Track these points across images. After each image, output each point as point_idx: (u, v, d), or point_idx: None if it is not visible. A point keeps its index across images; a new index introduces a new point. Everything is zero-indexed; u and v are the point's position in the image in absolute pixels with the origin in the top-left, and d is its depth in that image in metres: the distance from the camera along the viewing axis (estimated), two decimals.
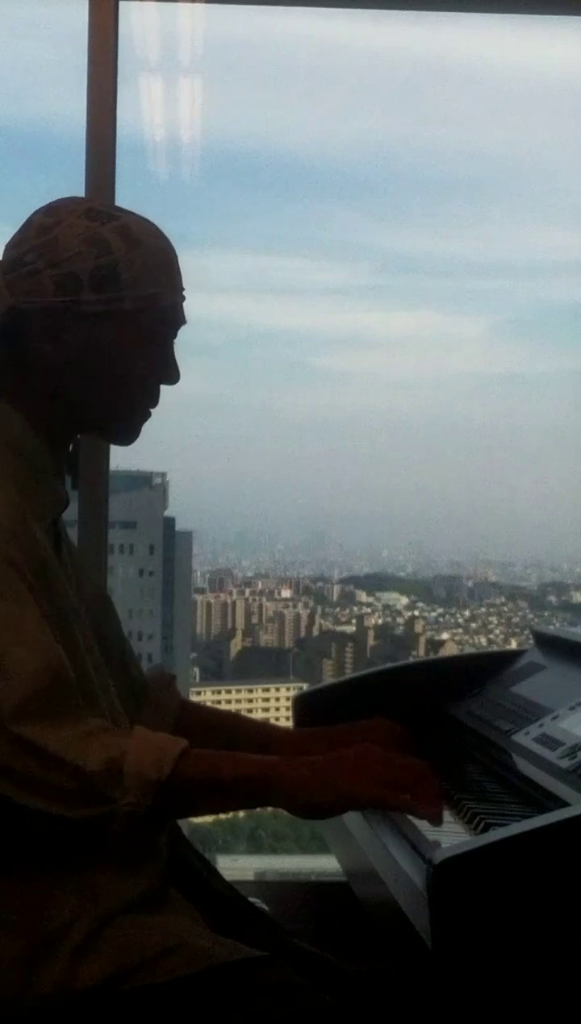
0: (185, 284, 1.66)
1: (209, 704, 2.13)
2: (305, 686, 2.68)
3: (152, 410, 1.68)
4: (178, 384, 1.69)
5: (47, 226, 1.58)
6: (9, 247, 1.61)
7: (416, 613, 6.03)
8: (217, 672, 6.00)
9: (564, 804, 1.61)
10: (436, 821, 1.59)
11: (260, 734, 1.91)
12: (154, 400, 1.67)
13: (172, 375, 1.66)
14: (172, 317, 1.64)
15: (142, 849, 1.55)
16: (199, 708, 1.94)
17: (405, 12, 3.29)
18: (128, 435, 1.69)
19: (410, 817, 1.74)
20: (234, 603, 6.05)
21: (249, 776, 1.50)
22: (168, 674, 1.89)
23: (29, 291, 1.57)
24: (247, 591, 6.10)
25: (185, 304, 1.66)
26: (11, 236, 1.62)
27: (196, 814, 1.63)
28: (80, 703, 1.49)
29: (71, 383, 1.60)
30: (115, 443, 1.73)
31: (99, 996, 1.46)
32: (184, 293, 1.65)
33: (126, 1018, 1.46)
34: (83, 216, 1.58)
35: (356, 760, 1.55)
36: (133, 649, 1.84)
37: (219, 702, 5.78)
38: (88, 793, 1.40)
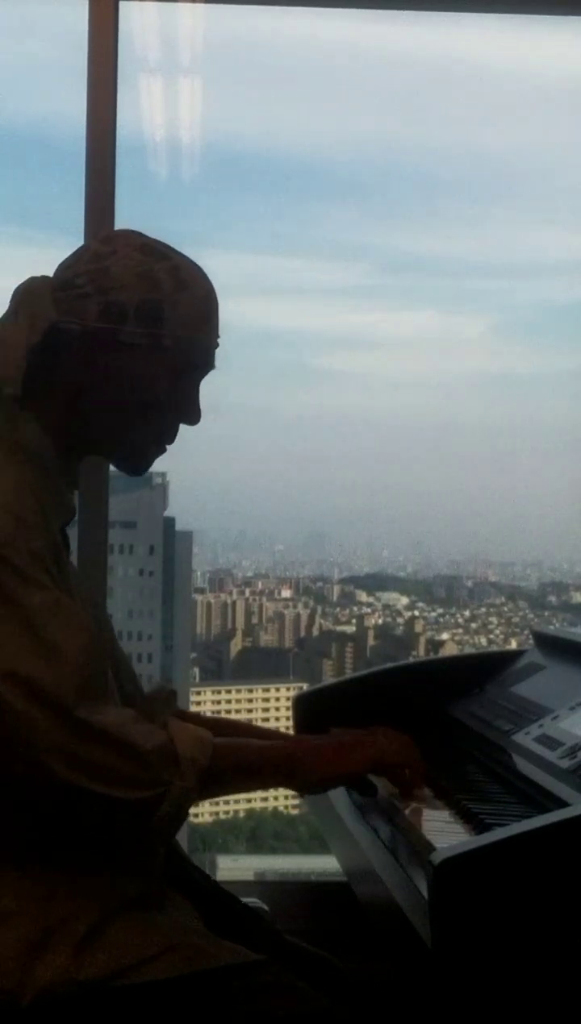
0: None
1: (209, 713, 2.14)
2: (305, 686, 2.68)
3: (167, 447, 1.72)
4: None
5: (102, 254, 1.62)
6: (62, 267, 1.65)
7: (416, 613, 6.03)
8: (217, 672, 6.00)
9: (564, 804, 1.61)
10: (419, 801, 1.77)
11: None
12: (171, 438, 1.71)
13: (193, 416, 1.70)
14: (204, 361, 1.68)
15: (141, 849, 1.55)
16: (198, 720, 1.94)
17: (405, 12, 3.28)
18: (138, 466, 1.72)
19: (406, 813, 1.74)
20: (234, 603, 6.06)
21: (270, 760, 1.64)
22: (168, 689, 1.90)
23: (74, 312, 1.61)
24: (247, 591, 6.10)
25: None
26: (64, 258, 1.66)
27: (221, 796, 1.70)
28: (113, 684, 1.60)
29: (93, 405, 1.63)
30: (124, 471, 1.75)
31: (99, 992, 1.46)
32: (218, 340, 1.69)
33: (125, 1015, 1.47)
34: (138, 251, 1.63)
35: (357, 739, 1.72)
36: (129, 662, 1.84)
37: (219, 702, 5.78)
38: (147, 775, 1.47)
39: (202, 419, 1.70)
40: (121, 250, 1.62)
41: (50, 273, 1.66)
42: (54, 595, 1.48)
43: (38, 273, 1.67)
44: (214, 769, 1.53)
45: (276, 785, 1.68)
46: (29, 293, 1.63)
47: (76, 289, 1.61)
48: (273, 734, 2.03)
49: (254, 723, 2.14)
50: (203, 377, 1.69)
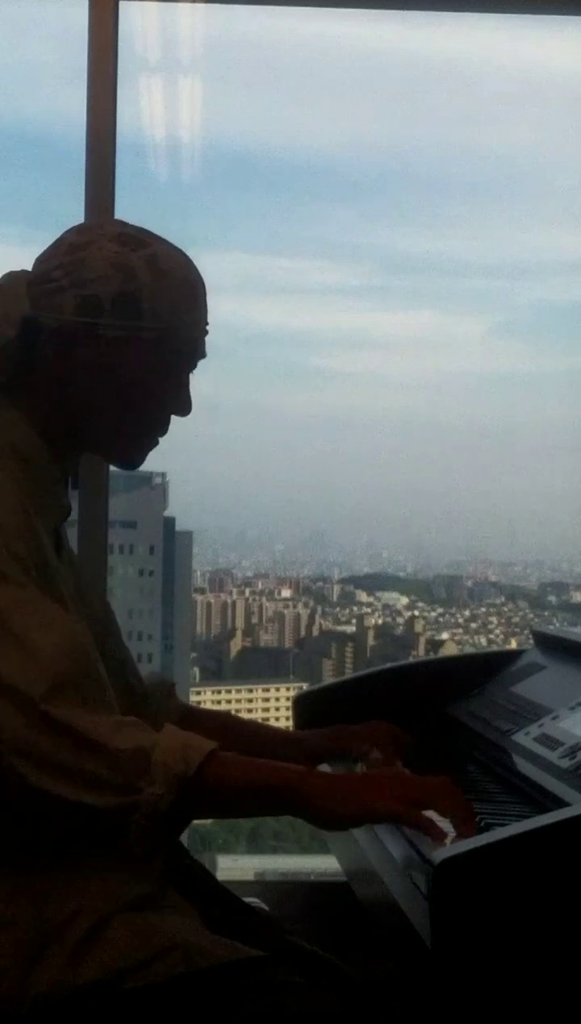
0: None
1: (209, 708, 2.12)
2: (305, 686, 2.68)
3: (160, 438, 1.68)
4: None
5: (77, 246, 1.59)
6: (39, 261, 1.62)
7: (416, 613, 6.03)
8: (217, 672, 6.00)
9: (564, 804, 1.60)
10: (465, 835, 1.53)
11: (262, 737, 1.91)
12: (163, 430, 1.67)
13: (183, 407, 1.66)
14: (190, 350, 1.64)
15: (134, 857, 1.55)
16: (201, 714, 1.94)
17: (405, 12, 3.29)
18: (131, 460, 1.68)
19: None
20: (234, 603, 6.05)
21: (275, 784, 1.50)
22: (168, 681, 1.89)
23: (51, 307, 1.57)
24: (247, 591, 6.10)
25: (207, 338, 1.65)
26: (42, 250, 1.63)
27: (218, 815, 1.63)
28: (108, 691, 1.51)
29: (78, 400, 1.60)
30: (118, 466, 1.72)
31: (98, 995, 1.46)
32: (207, 327, 1.65)
33: (125, 1017, 1.46)
34: (114, 240, 1.59)
35: (382, 777, 1.57)
36: (134, 659, 1.83)
37: (219, 702, 5.77)
38: (114, 778, 1.40)
39: (194, 410, 1.66)
40: (97, 240, 1.58)
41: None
42: (32, 593, 1.45)
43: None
44: (205, 781, 1.43)
45: (283, 812, 1.54)
46: (2, 288, 1.60)
47: (52, 282, 1.57)
48: (286, 734, 2.03)
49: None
50: (193, 367, 1.65)
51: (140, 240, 1.60)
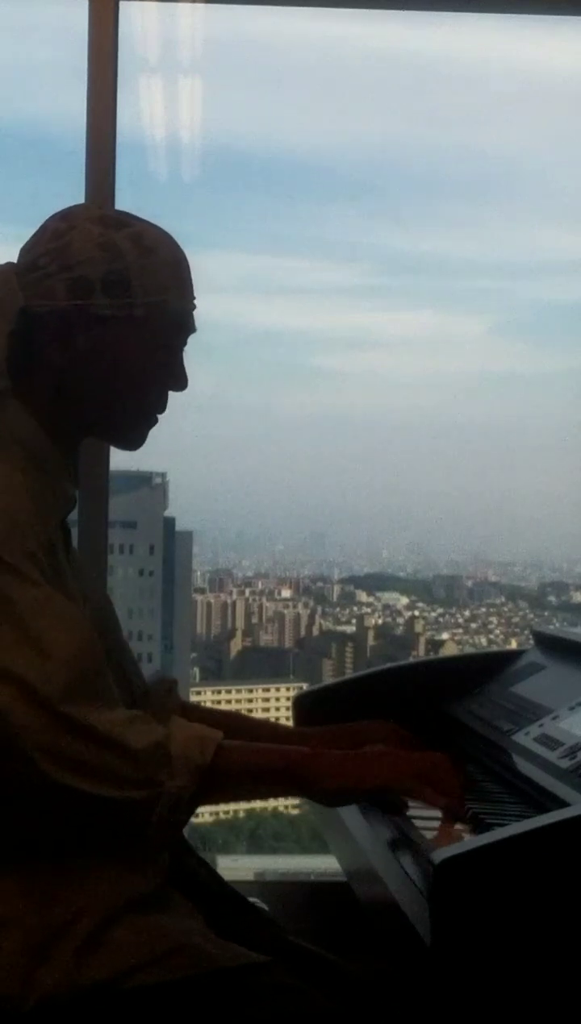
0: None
1: (210, 706, 2.13)
2: (305, 686, 2.68)
3: (159, 416, 1.69)
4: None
5: (61, 231, 1.60)
6: (24, 251, 1.64)
7: (416, 613, 6.03)
8: (217, 672, 6.00)
9: (564, 804, 1.61)
10: (456, 813, 1.66)
11: (264, 734, 1.91)
12: (161, 407, 1.69)
13: (180, 382, 1.68)
14: (181, 324, 1.66)
15: (142, 852, 1.55)
16: (201, 711, 1.94)
17: (405, 12, 3.29)
18: (133, 440, 1.70)
19: (414, 819, 1.74)
20: (234, 603, 6.04)
21: (282, 765, 1.58)
22: (169, 680, 1.90)
23: (41, 294, 1.59)
24: (247, 591, 6.09)
25: (195, 312, 1.68)
26: (26, 240, 1.65)
27: (231, 800, 1.68)
28: (113, 687, 1.54)
29: (78, 386, 1.62)
30: (120, 447, 1.74)
31: (101, 995, 1.46)
32: (195, 301, 1.67)
33: (128, 1017, 1.46)
34: (97, 222, 1.61)
35: (382, 753, 1.66)
36: (134, 656, 1.84)
37: (219, 702, 5.77)
38: (137, 774, 1.44)
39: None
40: (80, 224, 1.60)
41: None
42: (47, 592, 1.47)
43: None
44: (217, 769, 1.49)
45: (288, 793, 1.63)
46: None
47: (40, 270, 1.59)
48: (289, 731, 2.03)
49: None
50: (184, 342, 1.67)
51: (122, 220, 1.62)
